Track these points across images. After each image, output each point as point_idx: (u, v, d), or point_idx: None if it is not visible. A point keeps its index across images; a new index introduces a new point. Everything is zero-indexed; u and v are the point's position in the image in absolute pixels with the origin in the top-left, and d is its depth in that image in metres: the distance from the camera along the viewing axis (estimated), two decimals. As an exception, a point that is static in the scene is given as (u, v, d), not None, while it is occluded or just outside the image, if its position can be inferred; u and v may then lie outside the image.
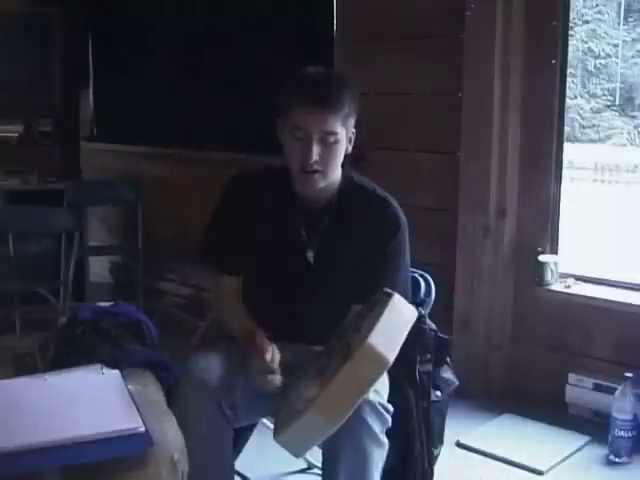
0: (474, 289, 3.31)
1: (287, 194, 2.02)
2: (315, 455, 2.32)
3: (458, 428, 2.81)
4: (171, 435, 1.60)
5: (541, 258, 3.24)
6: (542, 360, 3.28)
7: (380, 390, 1.82)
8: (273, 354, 1.85)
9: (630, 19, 4.00)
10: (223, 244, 2.05)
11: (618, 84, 4.19)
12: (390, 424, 1.81)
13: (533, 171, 3.27)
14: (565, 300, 3.19)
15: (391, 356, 1.64)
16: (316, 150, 1.89)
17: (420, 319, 1.94)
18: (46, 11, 5.14)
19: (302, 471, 2.65)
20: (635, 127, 4.20)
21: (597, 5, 4.07)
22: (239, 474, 2.32)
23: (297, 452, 1.77)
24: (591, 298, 3.13)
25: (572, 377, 3.11)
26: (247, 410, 1.90)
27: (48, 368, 1.95)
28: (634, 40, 4.07)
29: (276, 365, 1.85)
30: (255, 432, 2.14)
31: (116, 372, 1.79)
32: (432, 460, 2.06)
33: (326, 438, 1.78)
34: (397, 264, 2.00)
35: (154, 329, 2.17)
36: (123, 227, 5.11)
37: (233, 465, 1.99)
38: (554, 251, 3.29)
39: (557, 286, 3.23)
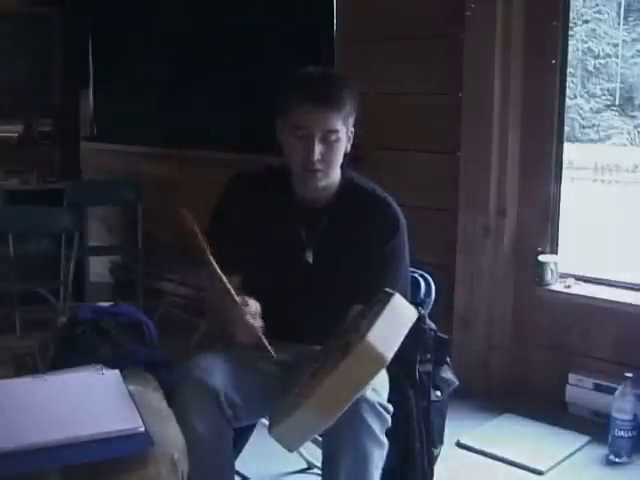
0: (474, 289, 3.31)
1: (286, 194, 2.02)
2: (315, 455, 2.32)
3: (458, 428, 2.81)
4: (171, 435, 1.60)
5: (541, 258, 3.24)
6: (542, 360, 3.28)
7: (380, 390, 1.82)
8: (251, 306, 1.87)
9: (630, 19, 4.00)
10: (221, 243, 2.05)
11: (618, 84, 4.19)
12: (390, 424, 1.81)
13: (533, 171, 3.27)
14: (565, 300, 3.19)
15: (389, 354, 1.65)
16: (318, 149, 1.89)
17: (420, 319, 1.94)
18: (46, 11, 5.15)
19: (302, 471, 2.65)
20: (635, 127, 4.20)
21: (597, 5, 4.07)
22: (239, 474, 2.32)
23: (291, 446, 1.77)
24: (591, 298, 3.13)
25: (572, 377, 3.11)
26: (247, 410, 1.90)
27: (48, 368, 1.96)
28: (634, 40, 4.07)
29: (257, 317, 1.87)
30: (255, 432, 2.14)
31: (116, 372, 1.79)
32: (432, 460, 2.06)
33: (324, 436, 1.79)
34: (397, 264, 2.01)
35: (154, 329, 2.18)
36: (123, 227, 5.11)
37: (233, 465, 1.99)
38: (554, 251, 3.29)
39: (557, 286, 3.23)
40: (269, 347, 1.89)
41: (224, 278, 1.86)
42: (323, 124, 1.89)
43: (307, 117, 1.89)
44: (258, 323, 1.88)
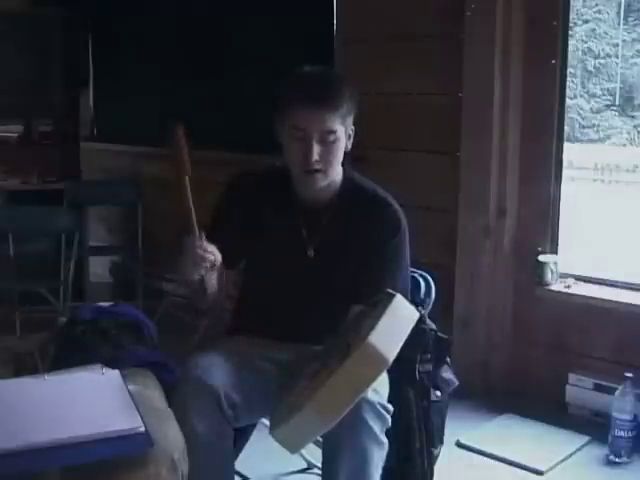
0: (474, 289, 3.31)
1: (287, 194, 2.02)
2: (315, 455, 2.32)
3: (458, 428, 2.81)
4: (171, 435, 1.60)
5: (541, 258, 3.24)
6: (542, 360, 3.28)
7: (380, 390, 1.82)
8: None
9: (630, 19, 3.99)
10: (221, 242, 2.05)
11: (618, 84, 4.18)
12: (390, 424, 1.81)
13: (533, 171, 3.27)
14: (565, 300, 3.19)
15: (390, 356, 1.64)
16: (316, 150, 1.89)
17: (420, 319, 1.94)
18: (46, 11, 5.15)
19: (302, 471, 2.65)
20: (635, 127, 4.19)
21: (597, 5, 4.06)
22: (239, 474, 2.32)
23: (292, 448, 1.77)
24: (591, 298, 3.13)
25: (572, 377, 3.11)
26: (247, 410, 1.90)
27: (48, 368, 1.96)
28: (634, 40, 4.06)
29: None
30: (255, 432, 2.14)
31: (116, 372, 1.79)
32: (432, 460, 2.06)
33: (324, 436, 1.79)
34: (397, 264, 2.00)
35: (154, 329, 2.18)
36: (123, 227, 5.11)
37: (233, 465, 1.99)
38: (554, 251, 3.29)
39: (557, 286, 3.23)
40: (207, 289, 1.87)
41: (192, 206, 1.86)
42: (321, 125, 1.89)
43: (305, 118, 1.89)
44: (208, 259, 1.85)
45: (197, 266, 1.85)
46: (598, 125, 4.24)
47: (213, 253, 1.86)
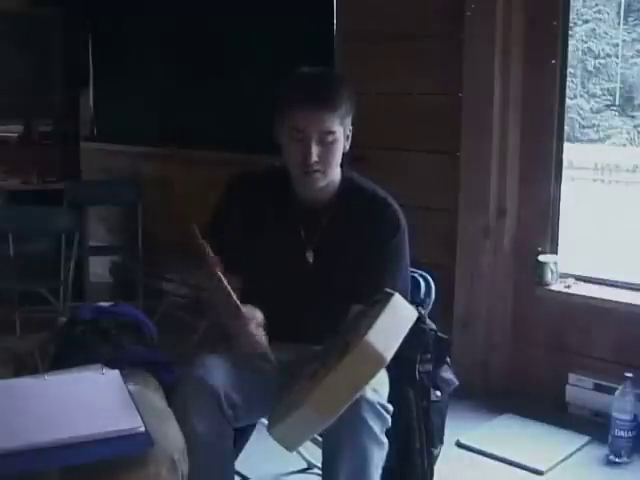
0: (474, 289, 3.31)
1: (286, 194, 2.02)
2: (315, 455, 2.32)
3: (458, 428, 2.81)
4: (171, 435, 1.60)
5: (541, 258, 3.24)
6: (542, 360, 3.28)
7: (380, 390, 1.82)
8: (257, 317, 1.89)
9: (630, 19, 3.99)
10: (220, 243, 2.05)
11: (618, 84, 4.18)
12: (390, 424, 1.81)
13: (533, 171, 3.27)
14: (565, 300, 3.19)
15: (388, 354, 1.65)
16: (315, 151, 1.89)
17: (420, 319, 1.94)
18: (46, 11, 5.16)
19: (302, 471, 2.65)
20: (635, 127, 4.19)
21: (597, 5, 4.06)
22: (239, 474, 2.32)
23: (290, 446, 1.77)
24: (591, 298, 3.13)
25: (572, 377, 3.11)
26: (247, 410, 1.90)
27: (48, 368, 1.96)
28: (634, 40, 4.06)
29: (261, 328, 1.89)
30: (255, 432, 2.14)
31: (116, 372, 1.79)
32: (432, 460, 2.06)
33: (324, 436, 1.79)
34: (397, 264, 2.00)
35: (154, 329, 2.18)
36: (123, 227, 5.11)
37: (233, 465, 1.99)
38: (554, 251, 3.29)
39: (557, 286, 3.23)
40: (272, 357, 1.90)
41: (232, 292, 1.85)
42: (320, 126, 1.89)
43: (304, 119, 1.89)
44: (261, 333, 1.89)
45: (255, 344, 1.88)
46: (598, 125, 4.24)
47: (261, 318, 1.90)
